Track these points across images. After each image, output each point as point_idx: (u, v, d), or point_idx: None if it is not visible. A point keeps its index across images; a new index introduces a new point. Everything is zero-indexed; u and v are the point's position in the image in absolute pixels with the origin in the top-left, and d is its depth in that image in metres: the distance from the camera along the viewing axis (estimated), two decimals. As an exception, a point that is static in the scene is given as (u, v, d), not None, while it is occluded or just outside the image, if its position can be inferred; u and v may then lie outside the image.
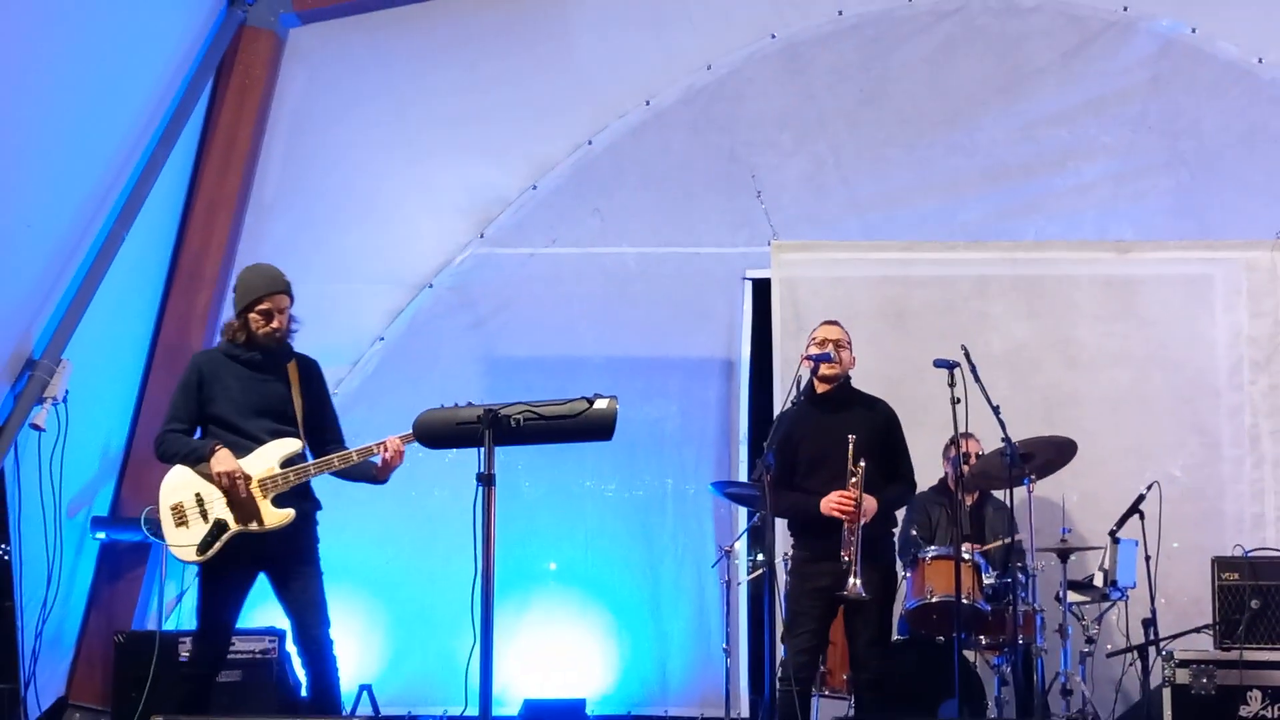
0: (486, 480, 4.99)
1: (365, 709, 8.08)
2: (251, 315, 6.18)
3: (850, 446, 6.61)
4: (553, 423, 5.14)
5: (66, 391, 7.44)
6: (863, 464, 6.58)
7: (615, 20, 8.98)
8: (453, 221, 9.37)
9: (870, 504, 6.58)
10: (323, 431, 6.32)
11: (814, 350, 6.79)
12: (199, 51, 8.10)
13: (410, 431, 5.38)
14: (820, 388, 6.80)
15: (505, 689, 8.59)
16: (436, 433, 5.31)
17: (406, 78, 8.86)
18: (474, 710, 4.90)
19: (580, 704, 8.66)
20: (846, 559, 6.49)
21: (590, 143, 9.36)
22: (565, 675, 8.92)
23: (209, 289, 8.38)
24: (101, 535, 8.13)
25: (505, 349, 9.34)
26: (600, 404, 5.15)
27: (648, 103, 9.32)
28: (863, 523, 6.53)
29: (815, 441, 6.74)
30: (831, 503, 6.57)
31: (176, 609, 8.58)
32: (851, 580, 6.46)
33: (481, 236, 9.40)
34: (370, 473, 6.16)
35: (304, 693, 6.21)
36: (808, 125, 9.34)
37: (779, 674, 6.67)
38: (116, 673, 7.65)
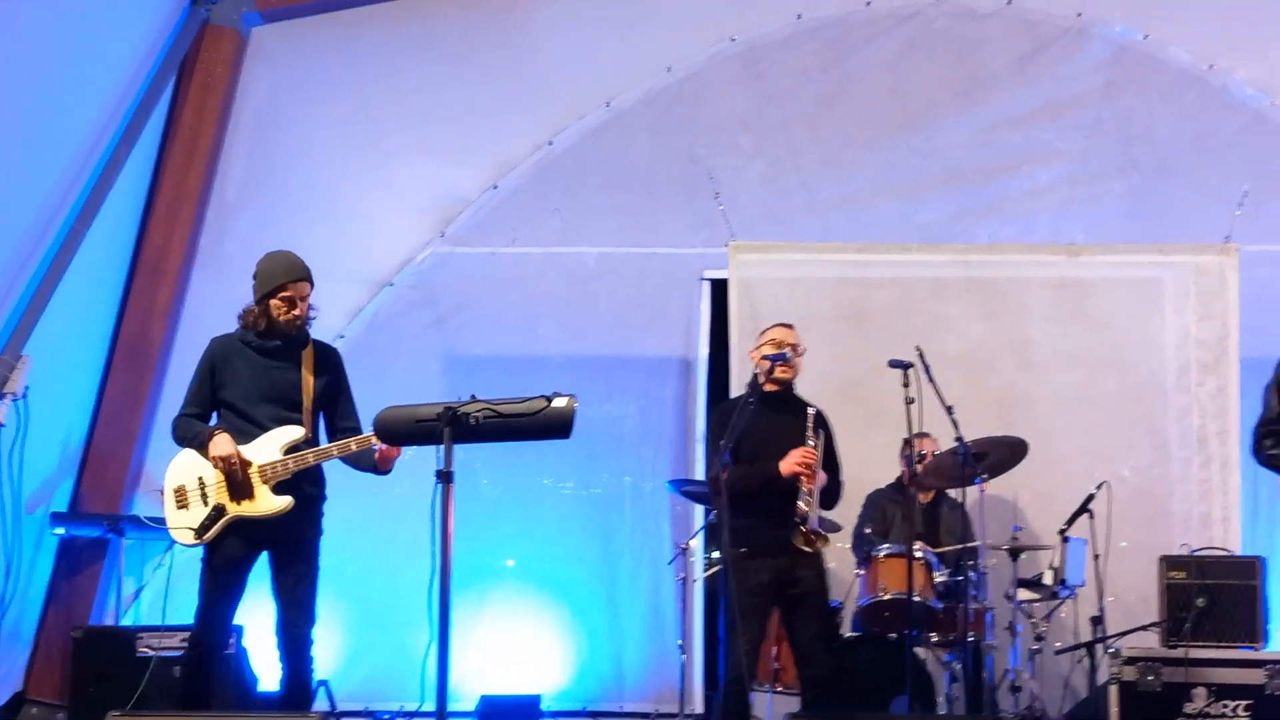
0: (445, 477, 5.06)
1: (322, 705, 8.12)
2: (274, 302, 6.25)
3: (810, 421, 6.70)
4: (511, 421, 5.21)
5: (26, 387, 7.46)
6: (822, 436, 6.68)
7: (576, 22, 9.05)
8: (414, 220, 9.43)
9: (821, 476, 6.67)
10: (338, 419, 6.38)
11: (770, 350, 6.87)
12: (161, 50, 8.14)
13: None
14: (769, 388, 6.87)
15: (462, 685, 8.65)
16: (396, 430, 5.38)
17: (369, 77, 8.91)
18: (431, 706, 4.97)
19: (536, 700, 8.74)
20: (805, 508, 6.56)
21: (551, 143, 9.43)
22: (522, 671, 9.00)
23: (170, 286, 8.42)
24: (60, 531, 8.16)
25: (466, 347, 9.40)
26: (559, 402, 5.22)
27: (608, 104, 9.40)
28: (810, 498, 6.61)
29: (762, 442, 6.77)
30: (795, 459, 6.62)
31: (135, 604, 8.62)
32: (807, 521, 6.56)
33: (443, 235, 9.47)
34: (373, 463, 6.21)
35: (277, 687, 6.24)
36: (767, 127, 9.42)
37: (729, 672, 6.68)
38: (74, 668, 7.65)
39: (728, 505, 6.42)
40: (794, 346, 6.90)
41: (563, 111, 9.41)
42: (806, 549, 6.56)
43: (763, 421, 6.75)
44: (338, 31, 8.75)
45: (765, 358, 6.86)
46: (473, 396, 5.27)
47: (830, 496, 6.92)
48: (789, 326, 7.01)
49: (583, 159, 9.45)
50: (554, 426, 5.21)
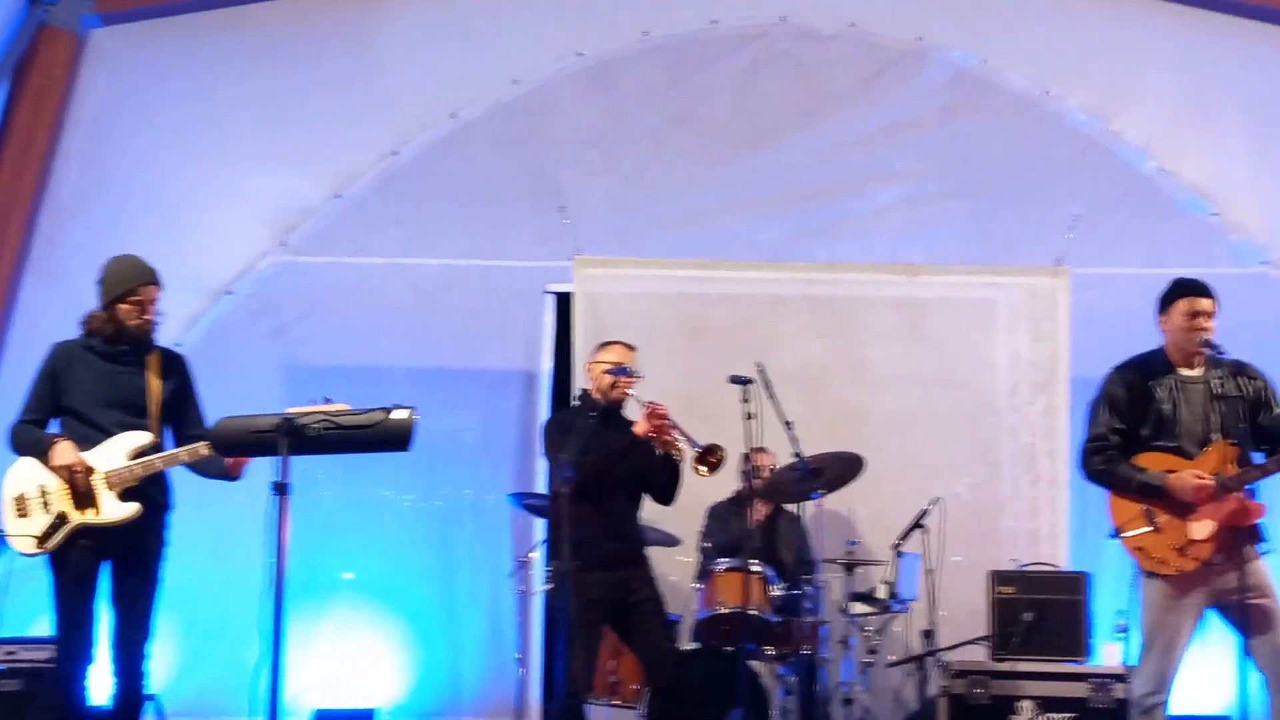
0: (281, 489, 5.05)
1: (151, 720, 8.02)
2: (122, 306, 6.16)
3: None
4: (349, 433, 5.21)
5: None
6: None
7: (422, 34, 9.05)
8: (256, 229, 9.35)
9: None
10: (186, 426, 6.30)
11: (610, 364, 6.95)
12: (-4, 52, 8.02)
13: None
14: (605, 403, 6.95)
15: (297, 699, 8.59)
16: (233, 440, 5.36)
17: (211, 83, 8.82)
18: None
19: (370, 714, 8.73)
20: (684, 447, 6.74)
21: (396, 153, 9.41)
22: (358, 685, 8.96)
23: (0, 290, 8.27)
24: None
25: (307, 357, 9.33)
26: (398, 414, 5.23)
27: (454, 115, 9.40)
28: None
29: (628, 464, 6.87)
30: (645, 420, 6.76)
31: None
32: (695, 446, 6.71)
33: (284, 244, 9.40)
34: (223, 468, 6.14)
35: (109, 702, 6.15)
36: (614, 143, 9.51)
37: (568, 690, 6.69)
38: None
39: (569, 518, 6.49)
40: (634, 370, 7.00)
41: (408, 122, 9.39)
42: (709, 468, 6.71)
43: (602, 439, 6.81)
44: (180, 36, 8.66)
45: (608, 371, 6.93)
46: (326, 399, 5.28)
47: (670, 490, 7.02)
48: (630, 347, 7.08)
49: (428, 170, 9.43)
50: (393, 439, 5.21)
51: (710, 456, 6.73)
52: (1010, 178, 9.45)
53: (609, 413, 6.93)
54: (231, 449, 5.54)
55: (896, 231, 9.47)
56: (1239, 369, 6.26)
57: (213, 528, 8.57)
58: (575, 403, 6.99)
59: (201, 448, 6.05)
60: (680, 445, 6.77)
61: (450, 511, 9.32)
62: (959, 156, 9.47)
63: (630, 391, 6.93)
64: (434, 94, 9.32)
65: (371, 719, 8.79)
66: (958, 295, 9.25)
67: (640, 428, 6.77)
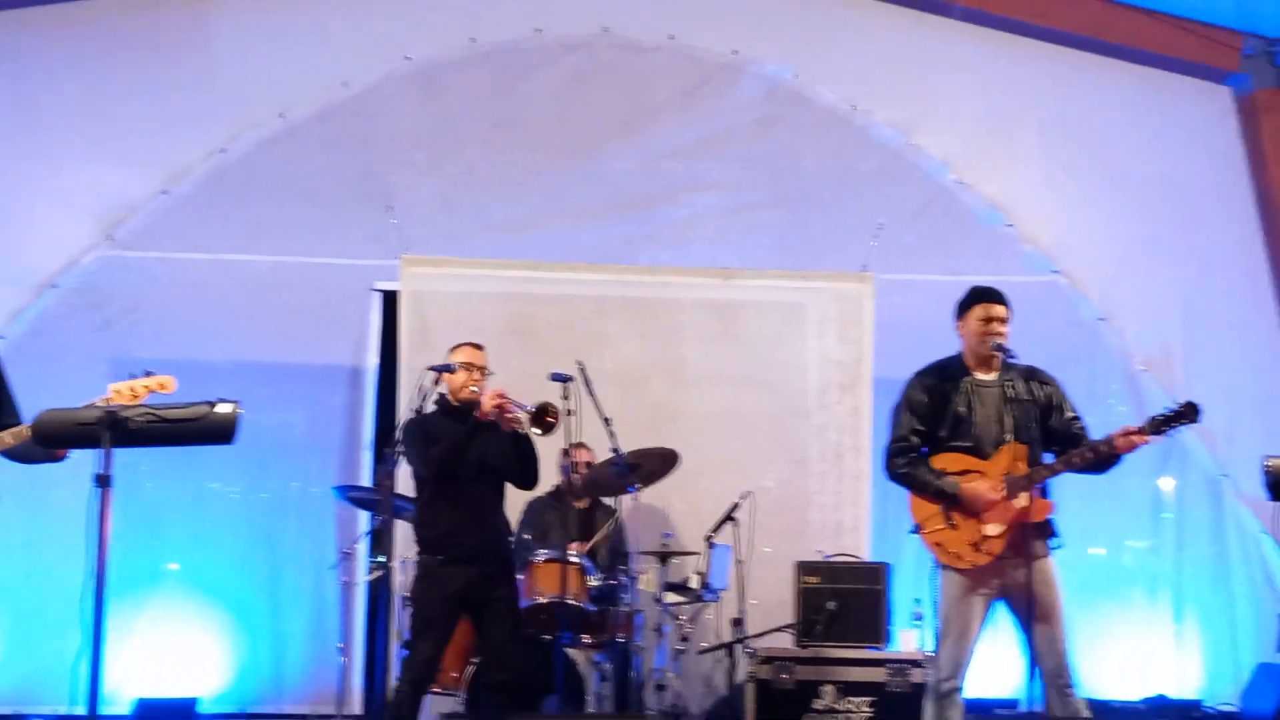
0: (103, 481, 4.93)
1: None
2: None
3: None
4: (173, 425, 5.10)
5: None
6: None
7: (252, 33, 8.95)
8: (81, 223, 9.10)
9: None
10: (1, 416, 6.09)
11: (462, 364, 6.91)
12: None
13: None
14: (457, 403, 6.91)
15: (119, 689, 8.42)
16: (56, 433, 5.21)
17: (37, 77, 8.60)
18: (84, 710, 4.84)
19: (192, 703, 8.58)
20: (521, 413, 6.74)
21: (225, 151, 9.25)
22: (180, 675, 8.79)
23: None
24: None
25: (133, 351, 9.05)
26: (222, 408, 5.14)
27: (283, 115, 9.27)
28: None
29: (481, 459, 6.84)
30: (488, 399, 6.74)
31: None
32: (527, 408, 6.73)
33: (111, 239, 9.18)
34: (48, 453, 5.95)
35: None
36: (442, 146, 9.47)
37: (407, 675, 6.72)
38: None
39: (429, 509, 6.69)
40: (482, 369, 6.96)
41: (238, 120, 9.24)
42: (545, 429, 6.74)
43: (449, 432, 6.81)
44: (6, 30, 8.41)
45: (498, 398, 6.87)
46: (147, 372, 5.17)
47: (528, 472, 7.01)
48: (479, 347, 7.05)
49: (258, 168, 9.29)
50: (217, 432, 5.12)
51: (546, 416, 6.74)
52: (820, 188, 9.61)
53: (460, 413, 6.88)
54: (53, 442, 5.39)
55: (712, 238, 9.55)
56: (1031, 374, 6.44)
57: (34, 519, 8.39)
58: (433, 407, 6.92)
59: (25, 429, 5.87)
60: (520, 418, 6.75)
61: (276, 504, 9.19)
62: (772, 167, 9.61)
63: (476, 389, 6.88)
64: (263, 94, 9.20)
65: (193, 708, 8.64)
66: (769, 299, 9.35)
67: (482, 411, 6.75)
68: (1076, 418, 6.41)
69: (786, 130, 9.62)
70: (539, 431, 6.76)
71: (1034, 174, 9.73)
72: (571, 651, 7.45)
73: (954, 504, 6.24)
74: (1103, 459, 6.17)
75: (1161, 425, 6.05)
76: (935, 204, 9.65)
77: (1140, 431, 6.07)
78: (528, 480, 7.04)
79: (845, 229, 9.49)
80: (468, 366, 6.92)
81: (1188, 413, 6.02)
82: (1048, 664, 6.14)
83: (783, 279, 9.39)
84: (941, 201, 9.65)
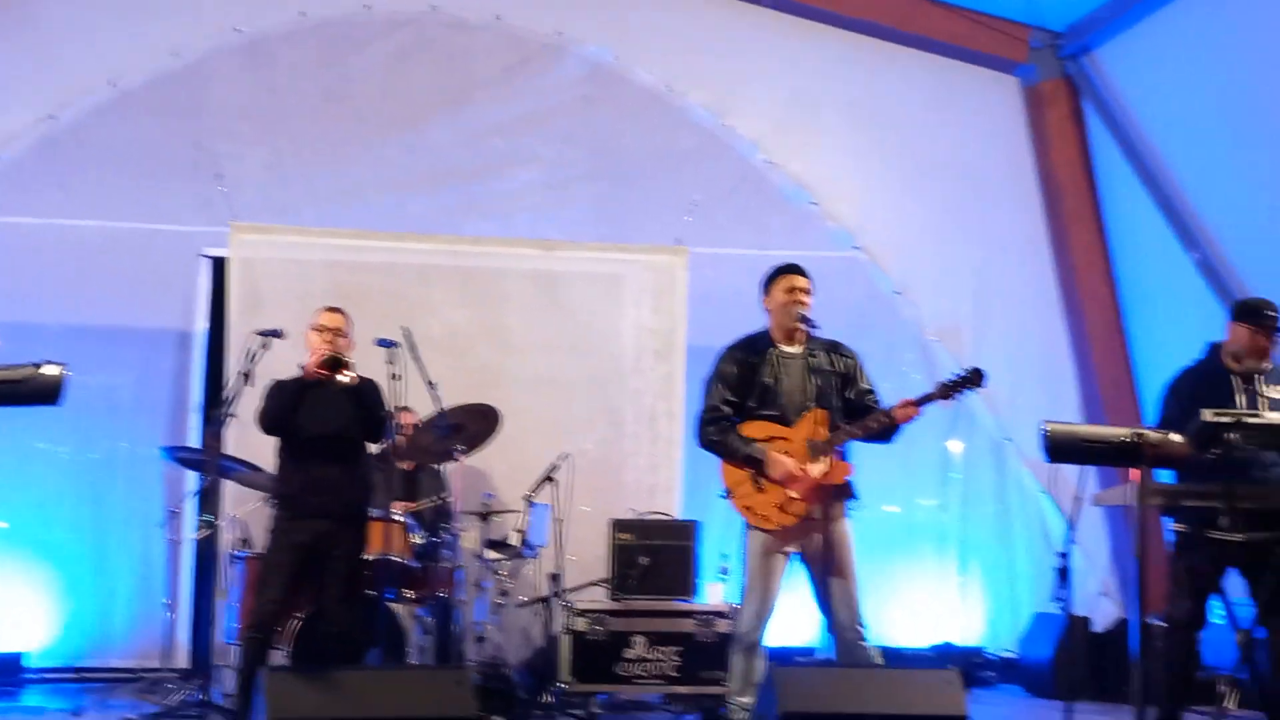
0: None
1: None
2: None
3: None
4: None
5: None
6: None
7: (82, 2, 8.70)
8: (-92, 186, 8.83)
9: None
10: None
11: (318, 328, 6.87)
12: None
13: None
14: (309, 375, 6.86)
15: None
16: (-120, 395, 5.07)
17: None
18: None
19: (18, 657, 8.42)
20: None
21: (54, 117, 9.01)
22: (7, 630, 8.64)
23: None
24: None
25: (-40, 313, 8.87)
26: (49, 370, 5.09)
27: (113, 83, 9.06)
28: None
29: (321, 418, 6.84)
30: (311, 360, 6.76)
31: None
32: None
33: (-62, 202, 8.90)
34: None
35: None
36: (271, 118, 9.35)
37: (251, 623, 6.75)
38: None
39: (284, 466, 6.79)
40: (335, 330, 6.93)
41: (67, 87, 9.01)
42: (332, 367, 6.72)
43: (310, 396, 6.82)
44: None
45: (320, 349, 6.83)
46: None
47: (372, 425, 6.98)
48: (336, 311, 7.02)
49: (88, 135, 9.09)
50: (42, 393, 5.06)
51: (334, 364, 6.72)
52: (638, 165, 9.70)
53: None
54: (-121, 403, 5.24)
55: (535, 210, 9.58)
56: (833, 347, 6.62)
57: None
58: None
59: None
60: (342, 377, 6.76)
61: (104, 464, 9.03)
62: (592, 144, 9.67)
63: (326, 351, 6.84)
64: (94, 61, 8.99)
65: (19, 662, 8.46)
66: (589, 270, 9.43)
67: (307, 369, 6.74)
68: (871, 391, 6.61)
69: (606, 109, 9.68)
70: (326, 373, 6.71)
71: (837, 155, 9.93)
72: (394, 606, 7.45)
73: (762, 470, 6.38)
74: (885, 429, 6.38)
75: (950, 389, 6.28)
76: (746, 182, 9.80)
77: (916, 402, 6.28)
78: (371, 434, 7.00)
79: (662, 204, 9.59)
80: (320, 329, 6.90)
81: (974, 378, 6.27)
82: (841, 616, 6.33)
83: (602, 251, 9.48)
84: (751, 180, 9.81)
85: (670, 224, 9.46)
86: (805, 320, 6.47)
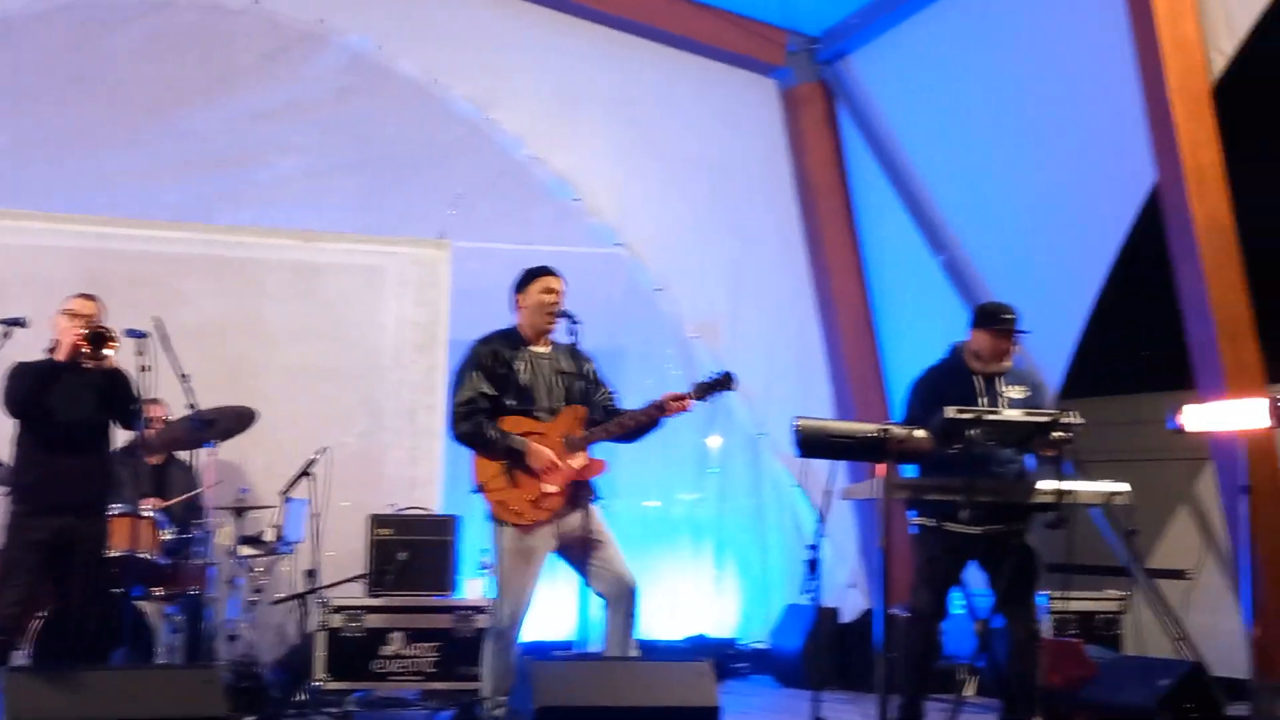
0: None
1: None
2: None
3: None
4: None
5: None
6: None
7: None
8: None
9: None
10: None
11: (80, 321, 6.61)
12: None
13: None
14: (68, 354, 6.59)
15: None
16: None
17: None
18: None
19: None
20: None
21: None
22: None
23: None
24: None
25: None
26: None
27: None
28: None
29: (70, 403, 6.60)
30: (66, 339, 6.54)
31: None
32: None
33: None
34: None
35: None
36: (16, 98, 8.92)
37: None
38: None
39: (23, 457, 6.55)
40: (88, 318, 6.67)
41: None
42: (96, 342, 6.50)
43: (59, 384, 6.59)
44: None
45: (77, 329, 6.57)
46: None
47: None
48: (89, 298, 6.77)
49: None
50: None
51: (107, 342, 6.48)
52: (401, 156, 9.57)
53: (70, 364, 6.60)
54: None
55: (295, 200, 9.37)
56: (574, 353, 6.66)
57: None
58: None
59: None
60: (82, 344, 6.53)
61: None
62: (355, 134, 9.50)
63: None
64: None
65: None
66: (350, 261, 9.29)
67: (60, 353, 6.52)
68: (610, 392, 6.68)
69: (369, 99, 9.51)
70: (88, 349, 6.48)
71: (600, 152, 9.96)
72: (142, 604, 7.21)
73: (518, 463, 6.34)
74: (642, 425, 6.44)
75: (704, 391, 6.41)
76: (509, 176, 9.76)
77: (685, 397, 6.36)
78: (124, 421, 6.78)
79: (425, 197, 9.49)
80: (71, 314, 6.65)
81: (724, 381, 6.43)
82: (614, 590, 6.33)
83: (363, 243, 9.35)
84: (515, 174, 9.77)
85: (433, 217, 9.36)
86: (567, 315, 6.45)
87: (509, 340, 6.57)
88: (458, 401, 6.49)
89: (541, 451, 6.34)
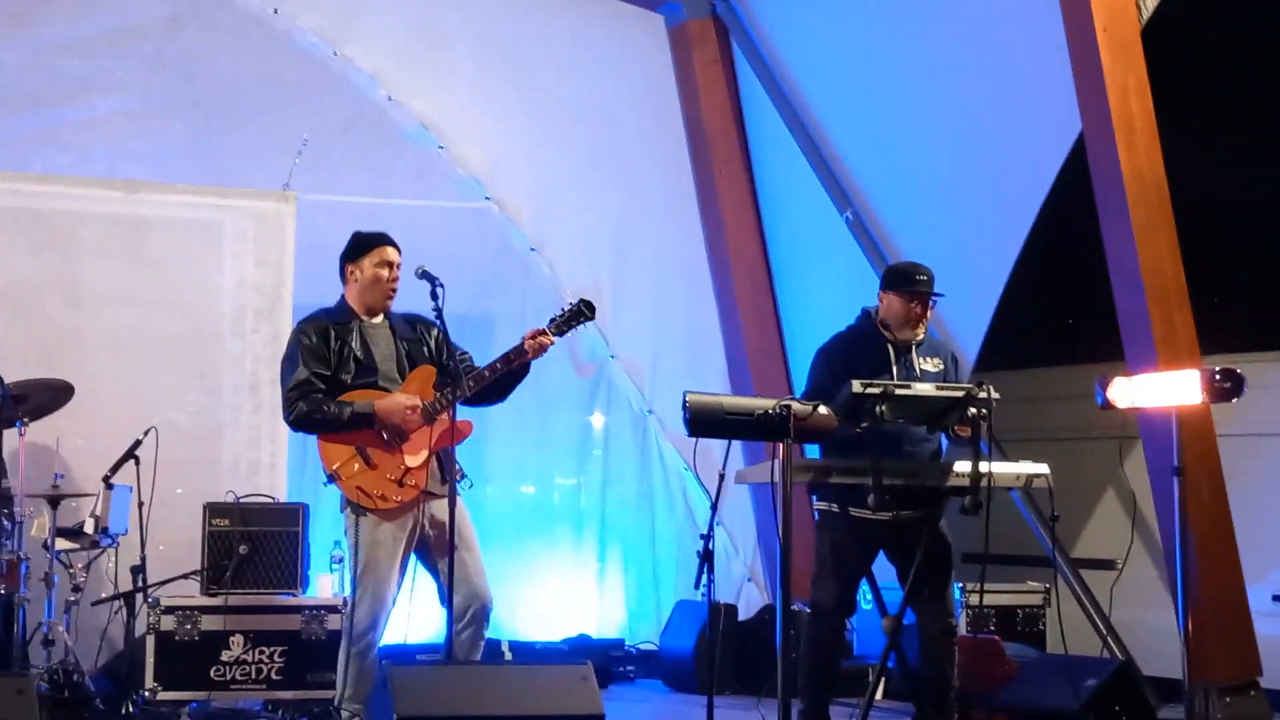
0: None
1: None
2: None
3: None
4: None
5: None
6: None
7: None
8: None
9: None
10: None
11: None
12: None
13: None
14: None
15: None
16: None
17: None
18: None
19: None
20: None
21: None
22: None
23: None
24: None
25: None
26: None
27: None
28: None
29: None
30: None
31: None
32: None
33: None
34: None
35: None
36: None
37: None
38: None
39: None
40: None
41: None
42: None
43: None
44: None
45: None
46: None
47: None
48: None
49: None
50: None
51: None
52: (239, 97, 9.46)
53: None
54: None
55: (116, 145, 9.24)
56: (413, 319, 6.69)
57: None
58: None
59: None
60: None
61: None
62: (185, 71, 9.36)
63: None
64: None
65: None
66: (181, 215, 9.14)
67: None
68: (466, 353, 6.71)
69: (201, 31, 9.39)
70: None
71: (468, 95, 9.94)
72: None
73: (371, 440, 6.33)
74: (509, 374, 6.48)
75: (563, 324, 6.49)
76: (363, 120, 9.72)
77: (544, 332, 6.39)
78: None
79: (266, 143, 9.40)
80: None
81: (583, 310, 6.50)
82: (466, 604, 6.35)
83: (196, 195, 9.20)
84: (370, 118, 9.73)
85: (276, 166, 9.24)
86: (428, 277, 6.43)
87: (336, 315, 6.61)
88: (288, 388, 6.47)
89: (393, 399, 6.37)
